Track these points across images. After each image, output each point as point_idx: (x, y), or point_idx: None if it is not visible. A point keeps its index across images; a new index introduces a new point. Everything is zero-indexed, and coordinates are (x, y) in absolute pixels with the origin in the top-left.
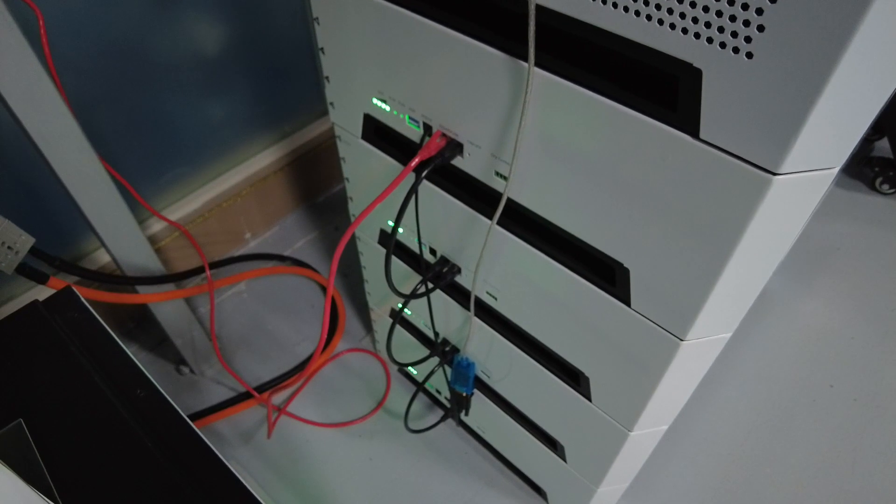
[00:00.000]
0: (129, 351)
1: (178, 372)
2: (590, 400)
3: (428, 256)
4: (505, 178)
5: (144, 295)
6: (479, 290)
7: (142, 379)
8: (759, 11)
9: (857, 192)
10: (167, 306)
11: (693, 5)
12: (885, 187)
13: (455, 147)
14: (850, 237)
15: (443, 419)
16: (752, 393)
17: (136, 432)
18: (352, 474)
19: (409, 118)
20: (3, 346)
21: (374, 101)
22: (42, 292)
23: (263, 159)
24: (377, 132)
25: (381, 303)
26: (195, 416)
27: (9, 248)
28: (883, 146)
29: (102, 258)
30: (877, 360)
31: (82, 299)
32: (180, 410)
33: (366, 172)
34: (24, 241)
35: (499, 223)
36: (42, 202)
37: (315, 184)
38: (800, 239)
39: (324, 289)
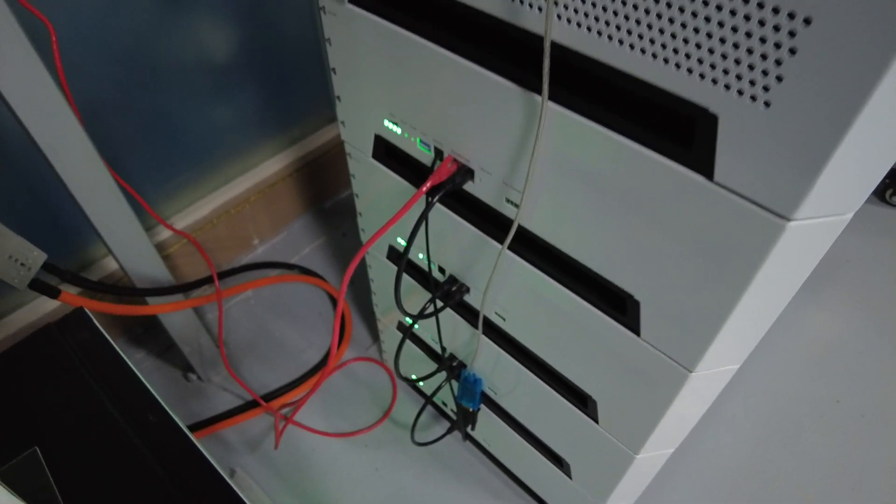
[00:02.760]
0: (138, 357)
1: (185, 378)
2: (597, 422)
3: (437, 274)
4: (516, 206)
5: (153, 306)
6: (488, 311)
7: (153, 404)
8: (779, 62)
9: (867, 203)
10: (175, 315)
11: (711, 52)
12: None
13: (466, 173)
14: (860, 249)
15: (449, 432)
16: (759, 407)
17: (148, 460)
18: (357, 484)
19: (421, 141)
20: (18, 370)
21: (386, 122)
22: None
23: (272, 165)
24: (388, 153)
25: (387, 313)
26: (202, 424)
27: (21, 264)
28: None
29: (110, 265)
30: (885, 375)
31: (94, 320)
32: (193, 437)
33: (376, 190)
34: (37, 258)
35: (509, 248)
36: (51, 211)
37: (323, 189)
38: None
39: (331, 296)
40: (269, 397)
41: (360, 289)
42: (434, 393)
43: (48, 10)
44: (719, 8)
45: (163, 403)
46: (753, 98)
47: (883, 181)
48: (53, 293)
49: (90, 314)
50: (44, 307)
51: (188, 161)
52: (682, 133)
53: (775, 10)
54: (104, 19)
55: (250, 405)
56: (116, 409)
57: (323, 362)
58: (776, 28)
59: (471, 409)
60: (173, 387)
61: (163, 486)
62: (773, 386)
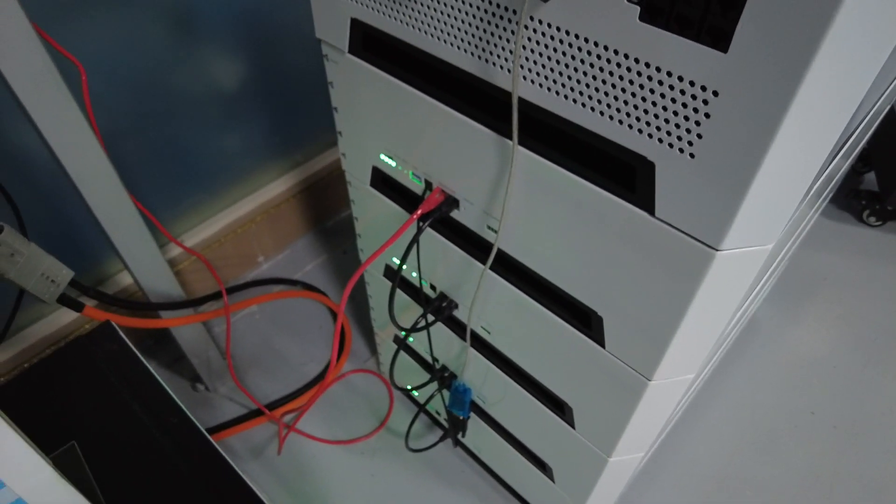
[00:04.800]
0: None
1: (193, 388)
2: (573, 428)
3: (428, 291)
4: (495, 232)
5: (167, 320)
6: (475, 325)
7: (174, 407)
8: (698, 123)
9: (845, 223)
10: (186, 328)
11: (646, 112)
12: (873, 220)
13: (452, 202)
14: (837, 267)
15: (441, 439)
16: (736, 418)
17: (171, 455)
18: (355, 489)
19: (413, 174)
20: (56, 375)
21: (382, 156)
22: (68, 313)
23: (276, 187)
24: (384, 182)
25: (384, 327)
26: (209, 431)
27: (52, 281)
28: (871, 179)
29: (123, 280)
30: (858, 389)
31: (120, 333)
32: (209, 436)
33: (373, 214)
34: (65, 275)
35: (490, 269)
36: (70, 231)
37: (324, 209)
38: (788, 268)
39: (332, 311)
40: (273, 407)
41: (360, 305)
42: (427, 402)
43: (77, 50)
44: (650, 78)
45: (183, 407)
46: (681, 150)
47: (860, 202)
48: (78, 307)
49: (116, 326)
50: (60, 320)
51: (198, 183)
52: (628, 177)
53: (691, 83)
54: (125, 56)
55: (254, 414)
56: (142, 411)
57: (323, 374)
58: (693, 96)
59: (461, 417)
60: (182, 396)
61: (185, 477)
62: (751, 398)
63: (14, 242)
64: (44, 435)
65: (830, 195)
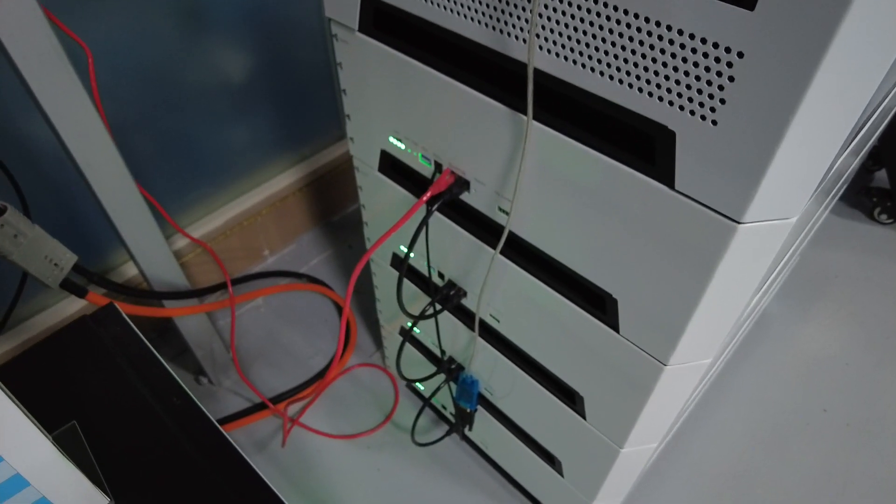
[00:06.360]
0: None
1: (196, 382)
2: (584, 418)
3: (436, 279)
4: (507, 213)
5: (171, 309)
6: (483, 313)
7: (177, 388)
8: (721, 87)
9: (855, 221)
10: (190, 319)
11: (667, 78)
12: (884, 217)
13: (463, 184)
14: (848, 265)
15: (448, 433)
16: (747, 415)
17: (176, 436)
18: (360, 484)
19: (422, 156)
20: (58, 355)
21: (391, 139)
22: (72, 303)
23: (283, 180)
24: (392, 166)
25: (391, 320)
26: None
27: (55, 264)
28: (882, 177)
29: (128, 272)
30: (870, 387)
31: (124, 315)
32: (211, 417)
33: (381, 201)
34: (69, 259)
35: (501, 253)
36: (74, 222)
37: (331, 204)
38: (798, 266)
39: (337, 305)
40: (277, 400)
41: (365, 299)
42: (433, 394)
43: (83, 35)
44: (671, 42)
45: (187, 389)
46: (703, 118)
47: (871, 199)
48: (81, 293)
49: (120, 309)
50: (63, 311)
51: (204, 175)
52: (647, 148)
53: (715, 45)
54: (132, 45)
55: (259, 407)
56: (146, 392)
57: (328, 367)
58: (717, 59)
59: (468, 410)
60: None
61: (190, 459)
62: (761, 395)
63: (18, 223)
64: (45, 413)
65: (840, 192)
